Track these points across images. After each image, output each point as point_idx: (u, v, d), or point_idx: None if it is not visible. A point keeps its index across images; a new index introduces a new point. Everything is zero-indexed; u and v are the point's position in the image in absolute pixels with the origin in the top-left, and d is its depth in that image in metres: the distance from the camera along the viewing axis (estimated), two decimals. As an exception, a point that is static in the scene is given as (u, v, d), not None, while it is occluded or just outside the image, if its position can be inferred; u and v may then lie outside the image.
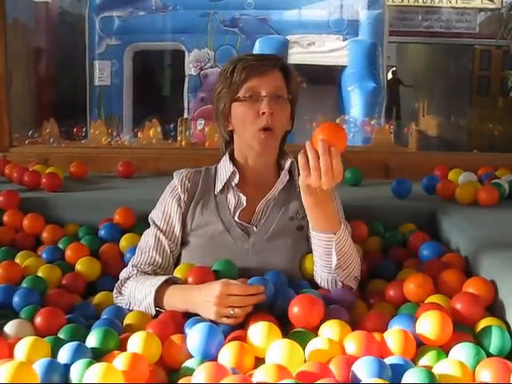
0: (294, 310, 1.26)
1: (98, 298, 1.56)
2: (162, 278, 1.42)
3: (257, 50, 7.81)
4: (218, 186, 1.59)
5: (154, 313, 1.39)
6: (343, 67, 8.11)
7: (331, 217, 1.41)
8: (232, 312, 1.25)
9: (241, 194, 1.57)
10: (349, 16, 8.23)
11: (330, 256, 1.42)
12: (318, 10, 8.26)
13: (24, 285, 1.52)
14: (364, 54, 7.96)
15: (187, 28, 8.15)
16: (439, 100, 12.25)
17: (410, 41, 11.08)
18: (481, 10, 10.40)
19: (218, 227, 1.55)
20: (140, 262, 1.55)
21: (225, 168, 1.60)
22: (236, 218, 1.55)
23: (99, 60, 8.37)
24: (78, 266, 1.69)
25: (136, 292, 1.45)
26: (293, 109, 1.59)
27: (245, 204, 1.56)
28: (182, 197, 1.59)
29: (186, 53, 8.27)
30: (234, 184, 1.57)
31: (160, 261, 1.55)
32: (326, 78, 8.16)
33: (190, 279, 1.42)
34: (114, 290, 1.53)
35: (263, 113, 1.48)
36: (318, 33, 8.14)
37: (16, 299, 1.44)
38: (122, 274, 1.55)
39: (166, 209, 1.59)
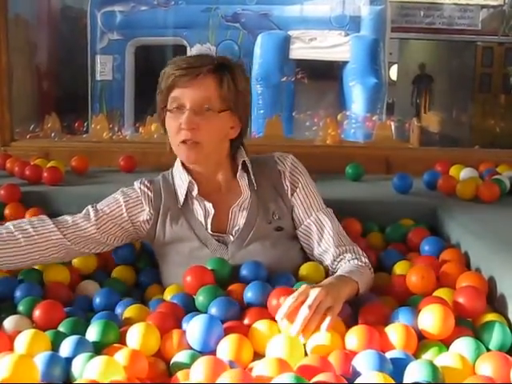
0: (273, 302, 1.26)
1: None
2: None
3: (259, 45, 7.81)
4: (180, 198, 1.52)
5: None
6: (345, 63, 8.09)
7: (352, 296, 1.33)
8: None
9: (206, 202, 1.50)
10: (351, 12, 8.20)
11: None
12: (319, 6, 8.24)
13: (21, 277, 1.51)
14: (366, 50, 7.94)
15: (189, 23, 8.14)
16: (441, 96, 12.24)
17: (412, 37, 11.05)
18: (483, 6, 10.37)
19: (194, 243, 1.50)
20: (63, 218, 1.51)
21: (181, 178, 1.52)
22: (209, 231, 1.50)
23: (101, 55, 8.35)
24: (75, 260, 1.66)
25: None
26: (238, 114, 1.48)
27: (213, 211, 1.50)
28: (147, 209, 1.52)
29: (188, 48, 8.25)
30: (194, 195, 1.51)
31: (60, 234, 1.47)
32: (328, 73, 8.15)
33: (188, 279, 1.40)
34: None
35: (183, 128, 1.40)
36: (320, 28, 8.12)
37: (17, 292, 1.43)
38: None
39: (121, 207, 1.52)
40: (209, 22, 8.19)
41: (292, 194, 1.54)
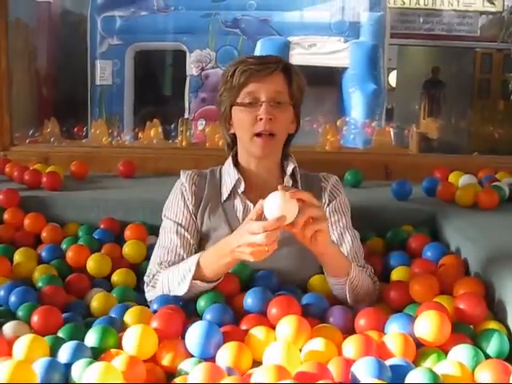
0: (272, 311, 1.27)
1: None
2: (197, 255, 1.40)
3: (258, 51, 7.80)
4: (224, 194, 1.58)
5: (186, 287, 1.37)
6: (344, 69, 8.11)
7: (337, 264, 1.39)
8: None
9: (247, 202, 1.56)
10: (350, 18, 8.22)
11: (342, 293, 1.42)
12: (319, 12, 8.26)
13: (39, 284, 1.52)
14: (365, 56, 7.95)
15: (189, 28, 8.15)
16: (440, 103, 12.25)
17: (411, 43, 11.07)
18: (482, 13, 10.40)
19: (225, 236, 1.52)
20: (167, 260, 1.52)
21: (229, 174, 1.58)
22: None
23: (101, 59, 8.36)
24: (89, 265, 1.69)
25: (171, 275, 1.43)
26: (297, 111, 1.58)
27: None
28: (190, 199, 1.58)
29: (188, 53, 8.27)
30: (240, 192, 1.57)
31: (186, 256, 1.52)
32: (327, 79, 8.15)
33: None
34: (145, 286, 1.52)
35: (261, 119, 1.47)
36: (320, 34, 8.14)
37: (12, 298, 1.43)
38: (150, 272, 1.53)
39: (181, 204, 1.58)
40: (208, 28, 8.20)
41: (326, 208, 1.59)
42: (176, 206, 1.59)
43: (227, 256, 1.33)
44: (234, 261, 1.34)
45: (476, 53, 11.19)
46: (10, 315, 1.39)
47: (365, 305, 1.40)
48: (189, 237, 1.55)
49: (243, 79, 1.49)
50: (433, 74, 10.97)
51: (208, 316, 1.28)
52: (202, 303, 1.36)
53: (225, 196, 1.58)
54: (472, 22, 10.35)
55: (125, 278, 1.65)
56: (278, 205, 1.22)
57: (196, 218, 1.57)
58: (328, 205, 1.59)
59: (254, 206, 1.53)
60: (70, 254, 1.73)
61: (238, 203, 1.57)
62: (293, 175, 1.60)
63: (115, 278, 1.67)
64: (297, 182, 1.60)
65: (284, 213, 1.22)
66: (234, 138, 1.60)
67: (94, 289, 1.60)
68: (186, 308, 1.36)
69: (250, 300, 1.34)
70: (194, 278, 1.37)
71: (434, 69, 10.97)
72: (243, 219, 1.54)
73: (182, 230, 1.55)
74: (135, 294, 1.58)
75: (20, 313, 1.37)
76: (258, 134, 1.49)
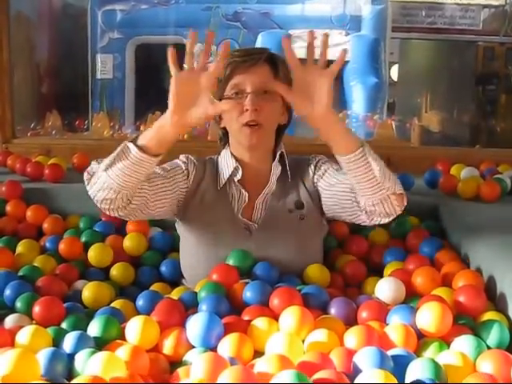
0: (274, 302, 1.28)
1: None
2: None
3: (259, 44, 7.77)
4: (221, 182, 1.59)
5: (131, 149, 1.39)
6: (345, 62, 8.09)
7: (348, 134, 1.36)
8: None
9: (243, 190, 1.58)
10: (352, 11, 8.19)
11: (367, 174, 1.37)
12: (320, 5, 8.23)
13: (20, 273, 1.51)
14: (366, 50, 7.93)
15: (190, 22, 8.10)
16: (442, 96, 12.23)
17: (413, 37, 11.04)
18: (485, 6, 10.36)
19: (221, 224, 1.56)
20: None
21: (226, 163, 1.60)
22: (240, 216, 1.57)
23: (102, 53, 8.34)
24: (90, 255, 1.69)
25: (107, 159, 1.43)
26: (286, 102, 1.55)
27: (247, 200, 1.57)
28: (191, 179, 1.58)
29: (189, 47, 8.26)
30: (236, 180, 1.58)
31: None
32: (329, 72, 8.13)
33: (214, 276, 1.42)
34: (85, 177, 1.50)
35: (247, 109, 1.48)
36: (321, 27, 8.10)
37: (8, 292, 1.41)
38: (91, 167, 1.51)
39: (174, 166, 1.57)
40: (209, 21, 8.18)
41: (314, 175, 1.59)
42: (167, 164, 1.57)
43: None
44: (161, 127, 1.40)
45: (478, 46, 11.17)
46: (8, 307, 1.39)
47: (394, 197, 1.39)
48: (165, 174, 1.52)
49: (228, 72, 1.51)
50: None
51: (204, 306, 1.28)
52: (202, 294, 1.35)
53: (221, 183, 1.59)
54: (474, 16, 10.32)
55: (123, 272, 1.67)
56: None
57: (190, 202, 1.57)
58: (315, 173, 1.59)
59: (249, 195, 1.57)
60: (61, 246, 1.73)
61: (233, 191, 1.59)
62: (283, 161, 1.61)
63: (114, 271, 1.68)
64: (285, 167, 1.60)
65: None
66: (225, 131, 1.61)
67: (79, 281, 1.59)
68: (183, 300, 1.36)
69: (249, 294, 1.34)
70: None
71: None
72: (238, 208, 1.57)
73: (159, 169, 1.52)
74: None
75: (19, 304, 1.36)
76: (245, 124, 1.50)
